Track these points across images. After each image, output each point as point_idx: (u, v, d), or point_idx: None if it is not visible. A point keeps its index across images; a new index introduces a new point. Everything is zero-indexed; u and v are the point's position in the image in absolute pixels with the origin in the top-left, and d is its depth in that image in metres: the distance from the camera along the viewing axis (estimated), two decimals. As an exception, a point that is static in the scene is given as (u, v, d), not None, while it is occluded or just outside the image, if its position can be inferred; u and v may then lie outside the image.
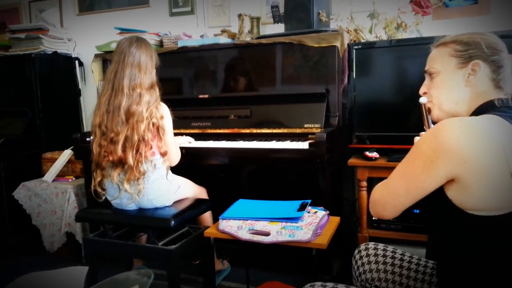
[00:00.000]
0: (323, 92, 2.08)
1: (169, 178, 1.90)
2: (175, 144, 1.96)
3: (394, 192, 1.00)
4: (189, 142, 2.16)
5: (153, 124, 1.80)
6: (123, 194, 1.85)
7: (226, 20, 2.80)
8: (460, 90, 1.05)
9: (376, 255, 1.25)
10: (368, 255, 1.26)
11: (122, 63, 1.81)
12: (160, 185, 1.88)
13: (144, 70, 1.83)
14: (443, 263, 1.05)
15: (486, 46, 1.03)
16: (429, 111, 1.14)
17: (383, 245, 1.29)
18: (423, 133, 1.13)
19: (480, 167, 0.86)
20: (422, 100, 1.14)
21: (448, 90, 1.07)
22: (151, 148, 1.82)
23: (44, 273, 0.88)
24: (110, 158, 1.80)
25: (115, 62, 1.84)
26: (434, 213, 0.97)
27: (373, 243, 1.31)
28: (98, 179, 1.85)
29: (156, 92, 1.85)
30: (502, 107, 1.00)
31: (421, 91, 1.16)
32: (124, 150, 1.77)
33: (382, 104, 2.05)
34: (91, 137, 1.89)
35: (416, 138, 1.17)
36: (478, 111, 1.02)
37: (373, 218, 2.10)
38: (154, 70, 1.90)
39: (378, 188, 1.06)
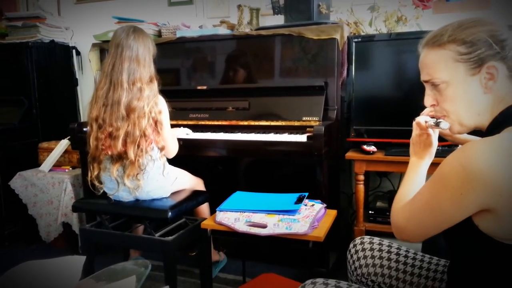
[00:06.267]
0: (322, 85, 2.08)
1: (166, 172, 1.89)
2: (172, 136, 1.95)
3: (421, 223, 0.91)
4: (186, 133, 2.15)
5: (152, 119, 1.79)
6: (122, 188, 1.85)
7: (225, 10, 2.77)
8: (480, 99, 0.91)
9: (371, 249, 1.23)
10: (363, 250, 1.24)
11: (120, 57, 1.78)
12: (157, 177, 1.87)
13: (143, 64, 1.80)
14: (459, 282, 0.97)
15: (494, 41, 0.87)
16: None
17: (379, 239, 1.27)
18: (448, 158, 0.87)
19: None
20: (444, 125, 0.97)
21: (465, 102, 0.92)
22: (151, 142, 1.81)
23: (41, 262, 0.88)
24: (109, 152, 1.79)
25: (112, 55, 1.80)
26: (455, 233, 0.89)
27: (369, 237, 1.29)
28: (95, 172, 1.83)
29: (155, 85, 1.83)
30: None
31: (427, 103, 0.99)
32: (124, 145, 1.76)
33: (381, 98, 2.04)
34: (87, 130, 1.87)
35: (421, 119, 1.07)
36: (500, 120, 0.89)
37: (370, 212, 2.11)
38: (152, 62, 1.87)
39: (402, 216, 0.96)
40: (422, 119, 1.09)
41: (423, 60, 0.96)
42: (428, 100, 0.98)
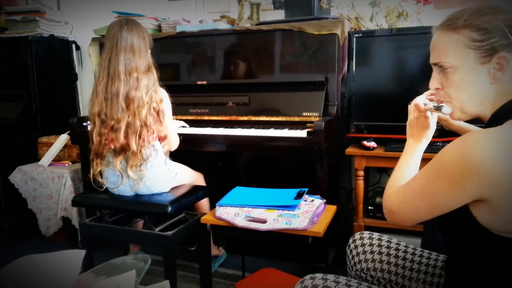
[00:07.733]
0: (322, 80, 2.07)
1: (168, 164, 1.90)
2: (173, 128, 1.96)
3: (415, 208, 0.90)
4: (182, 126, 2.14)
5: (153, 109, 1.79)
6: (125, 182, 1.85)
7: (225, 5, 2.76)
8: (485, 89, 0.90)
9: (371, 244, 1.23)
10: (363, 245, 1.24)
11: (115, 48, 1.78)
12: (158, 171, 1.87)
13: (138, 53, 1.80)
14: (457, 276, 0.97)
15: (510, 31, 0.85)
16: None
17: (378, 234, 1.27)
18: (447, 146, 0.86)
19: None
20: (446, 110, 0.95)
21: (470, 90, 0.91)
22: (153, 132, 1.82)
23: (40, 256, 0.88)
24: (112, 146, 1.79)
25: (108, 48, 1.81)
26: (453, 225, 0.89)
27: (368, 232, 1.29)
28: (98, 168, 1.84)
29: (154, 75, 1.83)
30: None
31: (432, 86, 0.97)
32: (126, 136, 1.77)
33: (381, 94, 2.04)
34: (90, 126, 1.86)
35: (419, 101, 1.06)
36: (502, 112, 0.88)
37: (369, 208, 2.11)
38: (149, 51, 1.87)
39: (395, 199, 0.95)
40: (421, 101, 1.08)
41: (435, 41, 0.95)
42: (433, 83, 0.97)
